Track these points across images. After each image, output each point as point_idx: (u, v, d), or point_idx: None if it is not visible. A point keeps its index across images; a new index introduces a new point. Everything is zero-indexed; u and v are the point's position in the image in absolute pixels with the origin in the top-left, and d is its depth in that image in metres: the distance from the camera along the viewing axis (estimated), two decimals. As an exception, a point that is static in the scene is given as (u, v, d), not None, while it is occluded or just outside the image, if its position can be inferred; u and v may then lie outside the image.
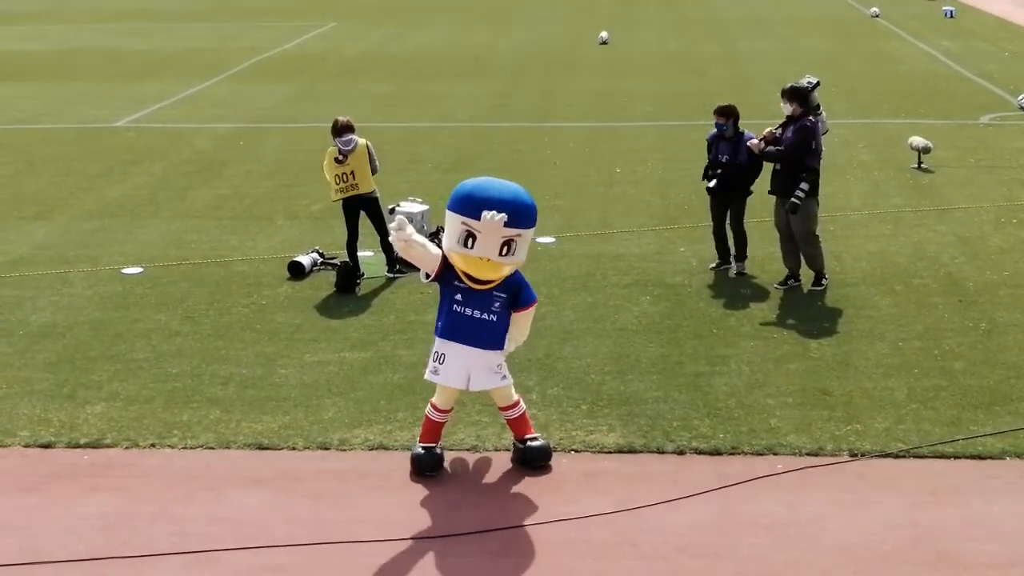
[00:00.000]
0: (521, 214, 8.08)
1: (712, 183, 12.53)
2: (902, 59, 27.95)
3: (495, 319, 8.29)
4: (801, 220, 11.82)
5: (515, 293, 8.40)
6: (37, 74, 28.17)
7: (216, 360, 10.71)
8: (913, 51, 29.25)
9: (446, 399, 8.58)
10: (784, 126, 11.91)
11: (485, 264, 8.10)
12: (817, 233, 12.03)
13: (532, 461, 8.62)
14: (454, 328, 8.32)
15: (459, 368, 8.36)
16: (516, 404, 8.63)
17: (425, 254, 8.31)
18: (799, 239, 11.97)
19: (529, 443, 8.65)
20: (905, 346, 10.66)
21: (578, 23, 35.18)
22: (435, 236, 12.44)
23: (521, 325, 8.58)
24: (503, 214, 7.92)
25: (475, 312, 8.26)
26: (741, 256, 12.77)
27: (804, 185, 11.67)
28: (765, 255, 13.02)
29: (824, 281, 12.10)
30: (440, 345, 8.42)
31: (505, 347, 8.49)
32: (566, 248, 13.73)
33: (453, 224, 8.13)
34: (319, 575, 7.36)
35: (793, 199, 11.69)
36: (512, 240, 8.06)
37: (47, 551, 7.65)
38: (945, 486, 8.26)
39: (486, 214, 7.91)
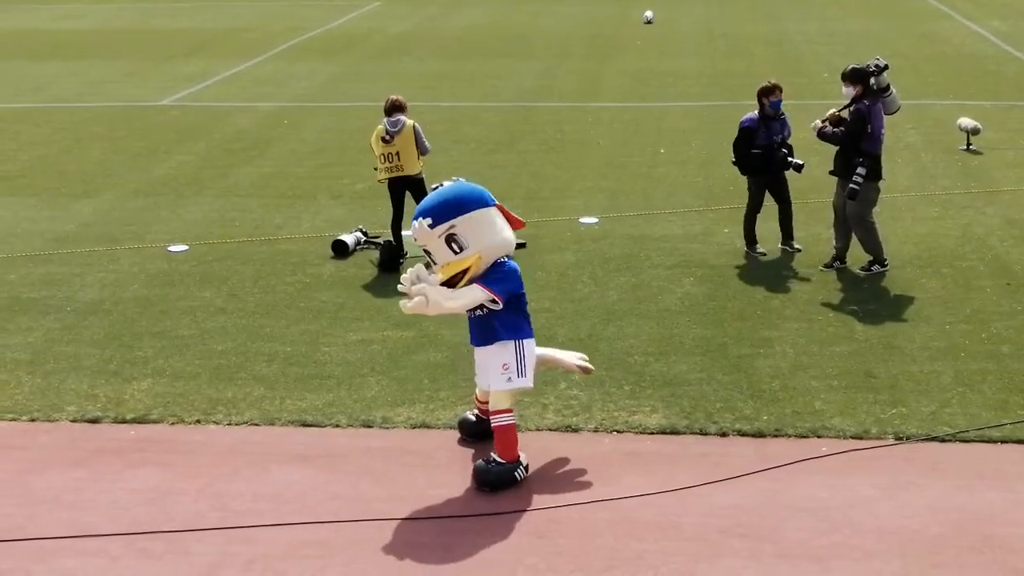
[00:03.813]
0: (438, 211, 7.88)
1: (802, 162, 12.45)
2: (951, 39, 27.53)
3: (484, 312, 8.07)
4: (854, 203, 11.69)
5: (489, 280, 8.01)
6: (82, 53, 28.31)
7: (261, 338, 10.77)
8: (962, 31, 28.81)
9: (480, 391, 8.62)
10: (848, 108, 11.77)
11: (448, 267, 7.96)
12: (871, 219, 11.86)
13: (481, 482, 8.09)
14: (470, 333, 8.33)
15: (478, 369, 8.41)
16: (501, 413, 8.15)
17: (458, 300, 7.99)
18: (851, 222, 11.85)
19: (488, 463, 8.13)
20: (952, 329, 10.54)
21: (623, 2, 34.93)
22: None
23: (458, 291, 7.92)
24: (424, 219, 7.87)
25: (470, 312, 8.14)
26: (792, 233, 12.73)
27: (861, 170, 11.52)
28: (811, 236, 12.93)
29: (876, 268, 11.92)
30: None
31: (513, 352, 8.10)
32: (609, 229, 13.66)
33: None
34: (361, 552, 7.36)
35: (852, 185, 11.57)
36: (451, 235, 7.87)
37: (94, 524, 7.72)
38: (992, 470, 8.16)
39: (410, 232, 7.95)
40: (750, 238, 12.72)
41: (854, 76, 11.61)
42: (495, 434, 8.19)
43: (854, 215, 11.78)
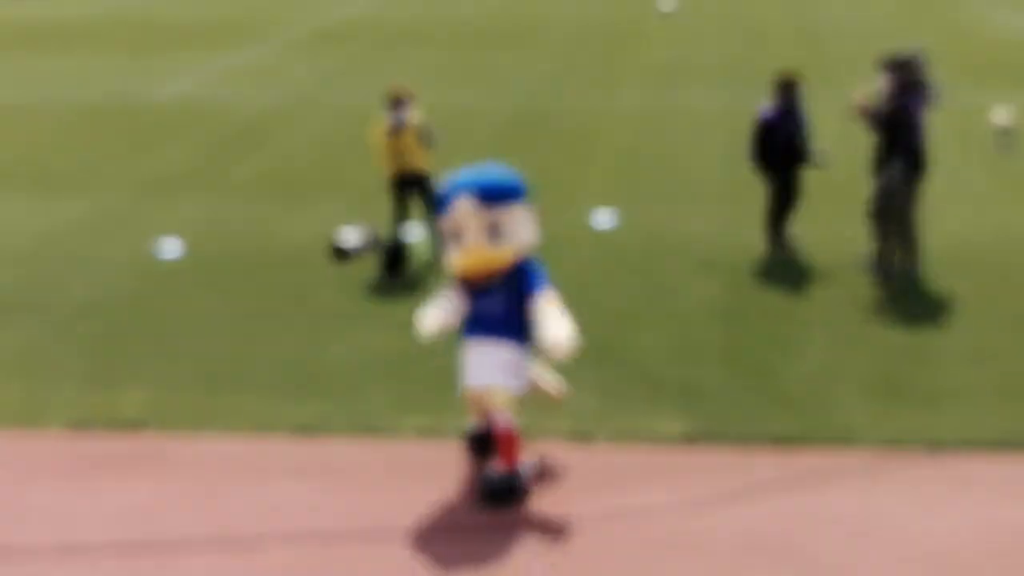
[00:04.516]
0: (490, 194, 7.68)
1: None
2: (982, 30, 27.35)
3: (503, 307, 7.79)
4: (900, 200, 11.42)
5: (522, 281, 7.78)
6: (77, 45, 28.23)
7: (258, 341, 10.55)
8: (995, 22, 28.64)
9: (474, 410, 8.19)
10: (886, 97, 11.45)
11: (480, 253, 7.69)
12: (911, 215, 11.53)
13: (489, 496, 7.79)
14: (471, 326, 7.93)
15: (475, 365, 7.91)
16: (505, 416, 7.85)
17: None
18: (898, 220, 11.52)
19: (492, 473, 7.85)
20: (988, 333, 10.27)
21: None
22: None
23: (543, 319, 7.68)
24: (473, 197, 7.63)
25: (484, 305, 7.83)
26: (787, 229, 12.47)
27: (899, 164, 11.30)
28: (835, 234, 12.65)
29: (910, 270, 11.57)
30: (463, 351, 8.02)
31: (520, 353, 7.88)
32: (625, 226, 13.41)
33: (443, 230, 7.91)
34: (365, 563, 7.21)
35: (887, 179, 11.39)
36: (495, 223, 7.67)
37: (83, 538, 7.56)
38: (1028, 482, 7.94)
39: (456, 202, 7.66)
40: (775, 236, 12.42)
41: (892, 65, 11.31)
42: (499, 441, 7.85)
43: (910, 217, 11.50)
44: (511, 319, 7.82)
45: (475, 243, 7.69)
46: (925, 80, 11.33)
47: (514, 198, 7.76)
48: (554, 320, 7.59)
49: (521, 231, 7.80)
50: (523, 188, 7.88)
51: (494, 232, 7.67)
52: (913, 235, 11.56)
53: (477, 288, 7.83)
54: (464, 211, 7.64)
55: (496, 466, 7.85)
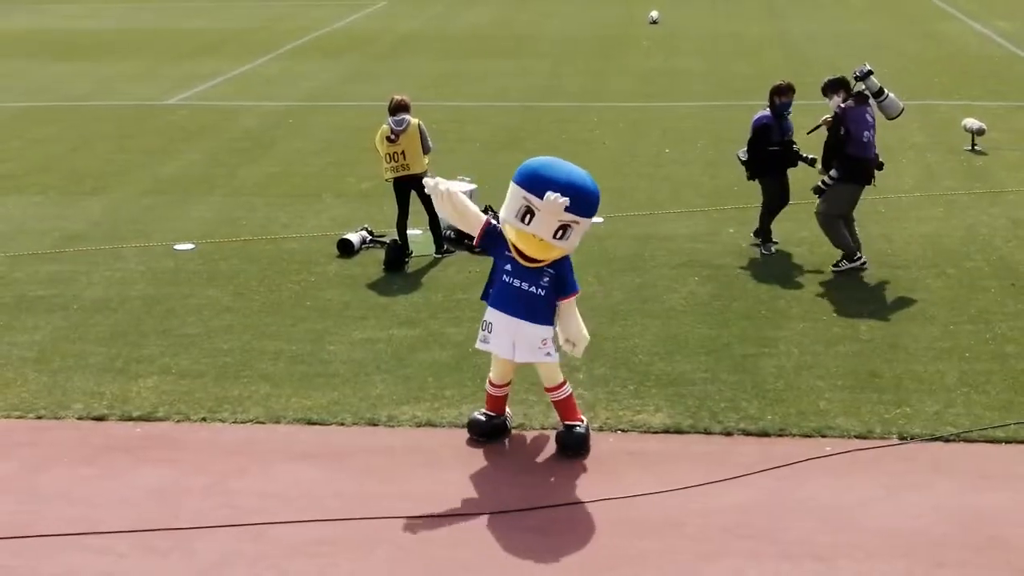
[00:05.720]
0: (583, 201, 8.04)
1: (815, 156, 12.52)
2: (956, 39, 27.52)
3: (543, 293, 8.25)
4: (822, 201, 11.87)
5: (562, 276, 8.30)
6: (92, 53, 28.36)
7: (266, 336, 10.79)
8: (967, 31, 28.80)
9: (499, 373, 8.62)
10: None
11: (537, 243, 8.11)
12: (837, 217, 11.88)
13: (566, 448, 8.50)
14: (502, 298, 8.37)
15: (506, 338, 8.39)
16: (561, 386, 8.52)
17: (466, 210, 8.44)
18: (817, 219, 12.00)
19: (571, 429, 8.54)
20: (956, 329, 10.54)
21: (628, 2, 34.93)
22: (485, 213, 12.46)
23: (567, 319, 8.38)
24: (566, 198, 7.91)
25: (523, 284, 8.26)
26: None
27: (833, 172, 11.74)
28: (814, 237, 12.91)
29: (844, 263, 11.91)
30: (489, 314, 8.47)
31: (552, 331, 8.41)
32: (614, 228, 13.65)
33: (515, 197, 8.13)
34: (367, 549, 7.39)
35: (819, 183, 11.91)
36: (569, 225, 8.05)
37: (100, 521, 7.74)
38: (996, 471, 8.17)
39: (550, 195, 7.90)
40: (767, 235, 12.74)
41: (831, 87, 11.85)
42: (563, 404, 8.50)
43: (821, 212, 11.90)
44: (549, 307, 8.32)
45: (540, 234, 8.07)
46: (879, 94, 11.71)
47: (592, 213, 8.20)
48: (576, 322, 8.34)
49: (577, 239, 8.26)
50: (596, 207, 8.29)
51: (562, 233, 8.08)
52: (838, 235, 11.89)
53: (527, 269, 8.25)
54: (552, 206, 7.91)
55: (568, 424, 8.51)
